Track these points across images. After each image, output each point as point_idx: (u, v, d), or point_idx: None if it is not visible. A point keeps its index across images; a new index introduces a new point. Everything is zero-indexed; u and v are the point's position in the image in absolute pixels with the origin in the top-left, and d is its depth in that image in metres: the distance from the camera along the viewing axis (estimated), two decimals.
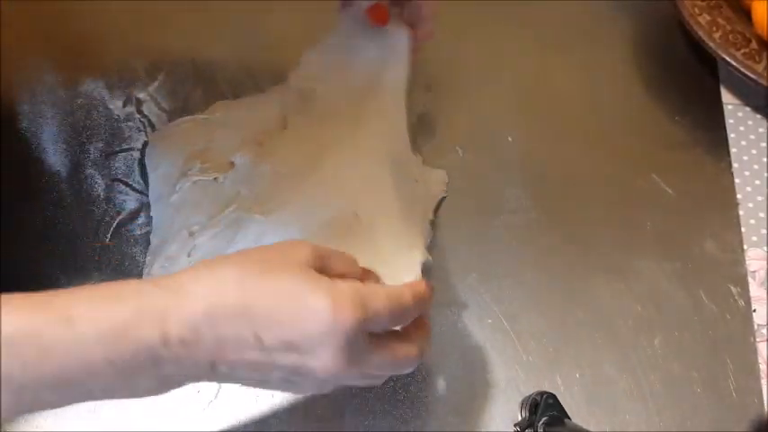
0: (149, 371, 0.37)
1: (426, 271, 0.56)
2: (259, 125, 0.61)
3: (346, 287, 0.39)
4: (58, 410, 0.50)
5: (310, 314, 0.38)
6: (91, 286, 0.38)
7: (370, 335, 0.40)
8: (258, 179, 0.57)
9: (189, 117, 0.63)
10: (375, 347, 0.41)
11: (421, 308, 0.43)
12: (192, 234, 0.56)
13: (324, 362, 0.38)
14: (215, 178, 0.58)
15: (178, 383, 0.39)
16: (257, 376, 0.40)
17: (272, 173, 0.58)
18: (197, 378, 0.39)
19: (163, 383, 0.39)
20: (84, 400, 0.38)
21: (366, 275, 0.44)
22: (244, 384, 0.42)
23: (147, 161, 0.62)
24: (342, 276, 0.41)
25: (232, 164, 0.59)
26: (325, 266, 0.41)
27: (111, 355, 0.36)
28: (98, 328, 0.36)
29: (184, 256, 0.56)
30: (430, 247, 0.58)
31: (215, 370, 0.38)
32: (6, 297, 0.36)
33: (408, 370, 0.43)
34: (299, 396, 0.53)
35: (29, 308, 0.36)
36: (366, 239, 0.55)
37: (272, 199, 0.56)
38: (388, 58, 0.60)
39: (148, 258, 0.57)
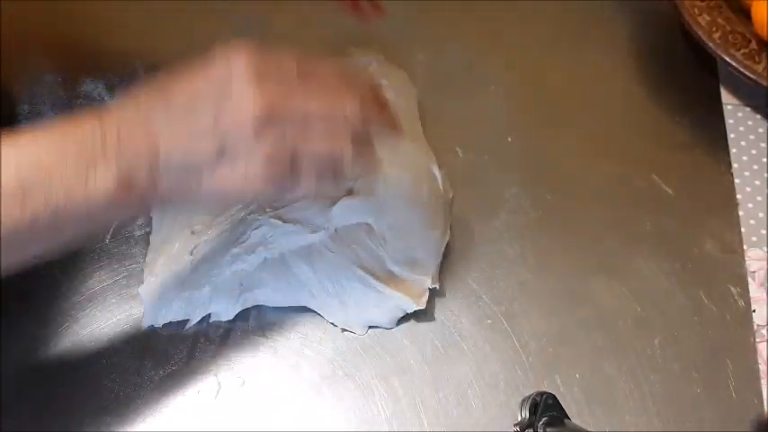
0: (99, 161, 0.39)
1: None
2: None
3: (241, 43, 0.42)
4: (57, 411, 0.51)
5: (202, 69, 0.41)
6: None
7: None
8: None
9: None
10: (298, 79, 0.42)
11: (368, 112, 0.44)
12: (194, 233, 0.56)
13: (240, 105, 0.40)
14: None
15: (130, 181, 0.40)
16: (195, 150, 0.40)
17: None
18: (151, 167, 0.40)
19: (118, 181, 0.39)
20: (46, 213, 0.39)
21: None
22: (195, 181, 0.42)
23: None
24: None
25: None
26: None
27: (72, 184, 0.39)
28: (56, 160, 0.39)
29: (187, 254, 0.56)
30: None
31: (157, 157, 0.40)
32: None
33: (348, 108, 0.43)
34: (299, 397, 0.53)
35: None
36: (378, 250, 0.56)
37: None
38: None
39: (149, 258, 0.57)
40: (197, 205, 0.45)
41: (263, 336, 0.55)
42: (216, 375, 0.53)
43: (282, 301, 0.55)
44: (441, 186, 0.61)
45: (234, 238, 0.56)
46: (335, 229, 0.56)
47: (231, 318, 0.55)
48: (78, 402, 0.51)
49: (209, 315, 0.55)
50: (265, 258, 0.55)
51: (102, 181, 0.39)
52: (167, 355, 0.54)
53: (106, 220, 0.43)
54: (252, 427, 0.52)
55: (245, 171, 0.40)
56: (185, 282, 0.55)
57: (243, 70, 0.40)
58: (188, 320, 0.55)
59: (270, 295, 0.55)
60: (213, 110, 0.40)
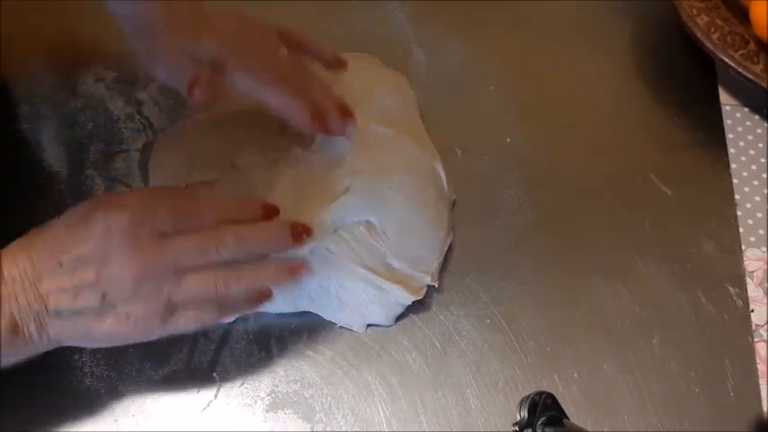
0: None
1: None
2: (262, 126, 0.61)
3: (120, 197, 0.48)
4: (56, 410, 0.51)
5: (86, 228, 0.45)
6: None
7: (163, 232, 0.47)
8: (260, 184, 0.57)
9: (190, 119, 0.63)
10: (175, 236, 0.47)
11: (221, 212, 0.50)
12: None
13: (120, 261, 0.45)
14: (216, 179, 0.57)
15: (20, 328, 0.44)
16: (82, 302, 0.45)
17: (285, 178, 0.58)
18: (39, 317, 0.45)
19: (9, 327, 0.44)
20: None
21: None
22: (85, 335, 0.46)
23: (150, 163, 0.62)
24: None
25: (234, 165, 0.59)
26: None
27: None
28: None
29: None
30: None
31: (47, 313, 0.45)
32: None
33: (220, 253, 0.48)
34: (299, 397, 0.53)
35: None
36: (379, 246, 0.56)
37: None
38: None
39: None
40: (92, 344, 0.50)
41: (263, 336, 0.55)
42: (216, 375, 0.53)
43: (282, 306, 0.55)
44: (445, 186, 0.61)
45: None
46: (336, 229, 0.56)
47: (231, 320, 0.55)
48: (78, 402, 0.52)
49: None
50: None
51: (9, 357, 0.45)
52: (167, 355, 0.54)
53: None
54: (252, 427, 0.52)
55: (126, 318, 0.46)
56: None
57: (122, 230, 0.46)
58: None
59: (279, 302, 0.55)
60: (97, 265, 0.45)
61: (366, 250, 0.56)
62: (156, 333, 0.47)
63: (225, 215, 0.50)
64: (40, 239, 0.46)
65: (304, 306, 0.55)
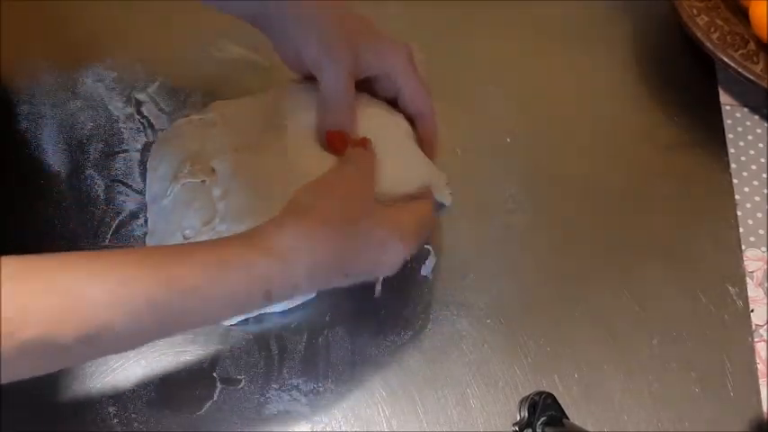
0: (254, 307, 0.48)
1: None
2: (254, 126, 0.60)
3: (408, 223, 0.51)
4: (56, 410, 0.51)
5: (386, 256, 0.49)
6: (202, 251, 0.44)
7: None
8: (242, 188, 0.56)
9: (186, 118, 0.63)
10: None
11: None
12: (186, 238, 0.56)
13: (390, 270, 0.51)
14: (203, 181, 0.56)
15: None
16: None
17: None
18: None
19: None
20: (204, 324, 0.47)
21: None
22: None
23: (148, 163, 0.62)
24: None
25: (213, 170, 0.57)
26: None
27: (224, 311, 0.45)
28: (215, 294, 0.42)
29: None
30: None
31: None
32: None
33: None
34: (299, 397, 0.53)
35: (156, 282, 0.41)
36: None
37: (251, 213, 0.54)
38: None
39: None
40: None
41: (263, 336, 0.55)
42: (216, 375, 0.53)
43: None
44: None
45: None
46: None
47: (232, 322, 0.55)
48: (78, 402, 0.52)
49: None
50: None
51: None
52: (167, 354, 0.54)
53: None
54: (252, 427, 0.52)
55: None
56: None
57: (400, 262, 0.51)
58: None
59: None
60: (367, 276, 0.51)
61: None
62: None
63: None
64: (344, 258, 0.48)
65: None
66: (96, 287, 0.38)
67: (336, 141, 0.54)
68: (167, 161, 0.60)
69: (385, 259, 0.49)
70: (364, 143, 0.54)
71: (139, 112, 0.65)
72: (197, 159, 0.58)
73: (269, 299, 0.44)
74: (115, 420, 0.51)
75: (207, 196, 0.56)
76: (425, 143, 0.59)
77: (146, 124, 0.65)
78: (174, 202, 0.57)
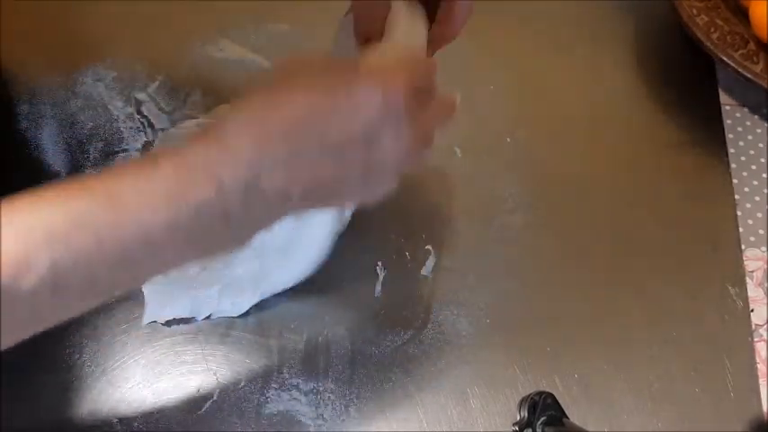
0: (217, 226, 0.36)
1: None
2: None
3: (389, 64, 0.40)
4: (56, 410, 0.51)
5: (364, 102, 0.38)
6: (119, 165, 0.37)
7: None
8: None
9: (195, 120, 0.63)
10: (424, 104, 0.41)
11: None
12: None
13: (392, 146, 0.39)
14: None
15: (252, 230, 0.39)
16: (332, 187, 0.39)
17: None
18: (271, 219, 0.39)
19: (236, 236, 0.38)
20: (161, 272, 0.38)
21: None
22: (321, 205, 0.41)
23: None
24: None
25: None
26: None
27: (172, 222, 0.35)
28: (148, 199, 0.35)
29: None
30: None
31: (289, 200, 0.38)
32: (48, 191, 0.35)
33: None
34: (299, 396, 0.53)
35: (74, 197, 0.35)
36: None
37: None
38: None
39: None
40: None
41: (263, 336, 0.55)
42: (216, 375, 0.53)
43: (298, 276, 0.56)
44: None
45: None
46: None
47: (241, 312, 0.55)
48: (78, 401, 0.52)
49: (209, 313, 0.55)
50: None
51: (218, 241, 0.39)
52: (167, 354, 0.54)
53: None
54: (251, 427, 0.52)
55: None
56: (193, 281, 0.55)
57: (399, 126, 0.40)
58: (193, 318, 0.55)
59: (286, 277, 0.56)
60: (363, 160, 0.39)
61: None
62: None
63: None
64: (312, 114, 0.38)
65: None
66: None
67: None
68: None
69: (367, 114, 0.38)
70: None
71: (139, 112, 0.65)
72: None
73: (223, 192, 0.35)
74: (115, 420, 0.51)
75: None
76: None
77: (146, 124, 0.65)
78: None
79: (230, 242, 0.39)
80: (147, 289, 0.55)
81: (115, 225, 0.34)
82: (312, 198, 0.39)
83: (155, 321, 0.55)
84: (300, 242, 0.55)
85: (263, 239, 0.51)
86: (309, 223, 0.54)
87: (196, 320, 0.55)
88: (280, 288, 0.56)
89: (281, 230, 0.49)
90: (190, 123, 0.63)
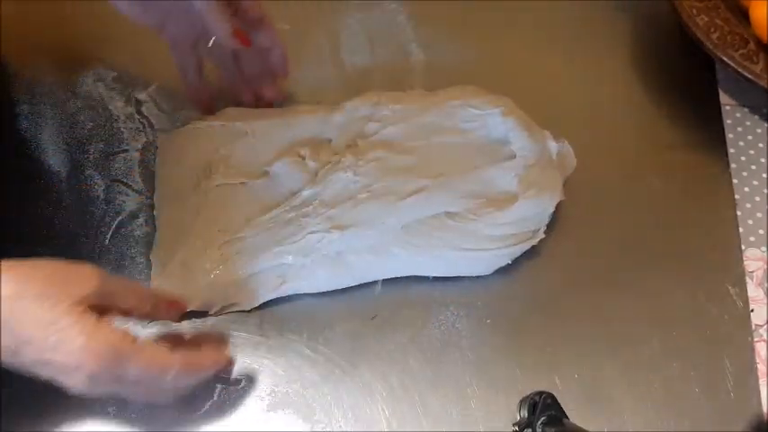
0: None
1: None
2: (292, 137, 0.62)
3: (106, 337, 0.44)
4: (56, 409, 0.51)
5: (66, 351, 0.44)
6: None
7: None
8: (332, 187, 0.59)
9: (203, 122, 0.63)
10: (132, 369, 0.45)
11: (189, 374, 0.49)
12: (221, 231, 0.57)
13: (75, 383, 0.45)
14: (242, 183, 0.59)
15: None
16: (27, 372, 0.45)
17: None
18: None
19: None
20: None
21: (164, 308, 0.51)
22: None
23: (158, 161, 0.62)
24: (127, 312, 0.48)
25: (266, 172, 0.60)
26: (108, 303, 0.47)
27: None
28: None
29: (214, 251, 0.56)
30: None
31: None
32: None
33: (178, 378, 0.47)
34: (299, 397, 0.53)
35: None
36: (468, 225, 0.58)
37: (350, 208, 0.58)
38: None
39: (157, 257, 0.57)
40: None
41: (263, 336, 0.55)
42: (216, 375, 0.53)
43: (326, 285, 0.57)
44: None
45: (280, 237, 0.57)
46: (402, 226, 0.57)
47: (255, 306, 0.56)
48: (78, 401, 0.52)
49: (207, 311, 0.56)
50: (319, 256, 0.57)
51: None
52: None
53: None
54: (252, 427, 0.52)
55: None
56: (214, 277, 0.56)
57: (86, 378, 0.45)
58: (206, 312, 0.56)
59: (314, 283, 0.57)
60: (48, 376, 0.45)
61: (454, 234, 0.57)
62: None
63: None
64: (22, 328, 0.44)
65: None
66: None
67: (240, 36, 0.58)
68: (186, 162, 0.61)
69: (63, 358, 0.44)
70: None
71: (139, 112, 0.65)
72: (230, 163, 0.60)
73: None
74: (115, 420, 0.51)
75: (250, 197, 0.59)
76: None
77: (146, 124, 0.65)
78: (202, 202, 0.59)
79: None
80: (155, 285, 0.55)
81: None
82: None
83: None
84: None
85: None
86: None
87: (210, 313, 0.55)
88: (313, 290, 0.57)
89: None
90: (201, 124, 0.63)
